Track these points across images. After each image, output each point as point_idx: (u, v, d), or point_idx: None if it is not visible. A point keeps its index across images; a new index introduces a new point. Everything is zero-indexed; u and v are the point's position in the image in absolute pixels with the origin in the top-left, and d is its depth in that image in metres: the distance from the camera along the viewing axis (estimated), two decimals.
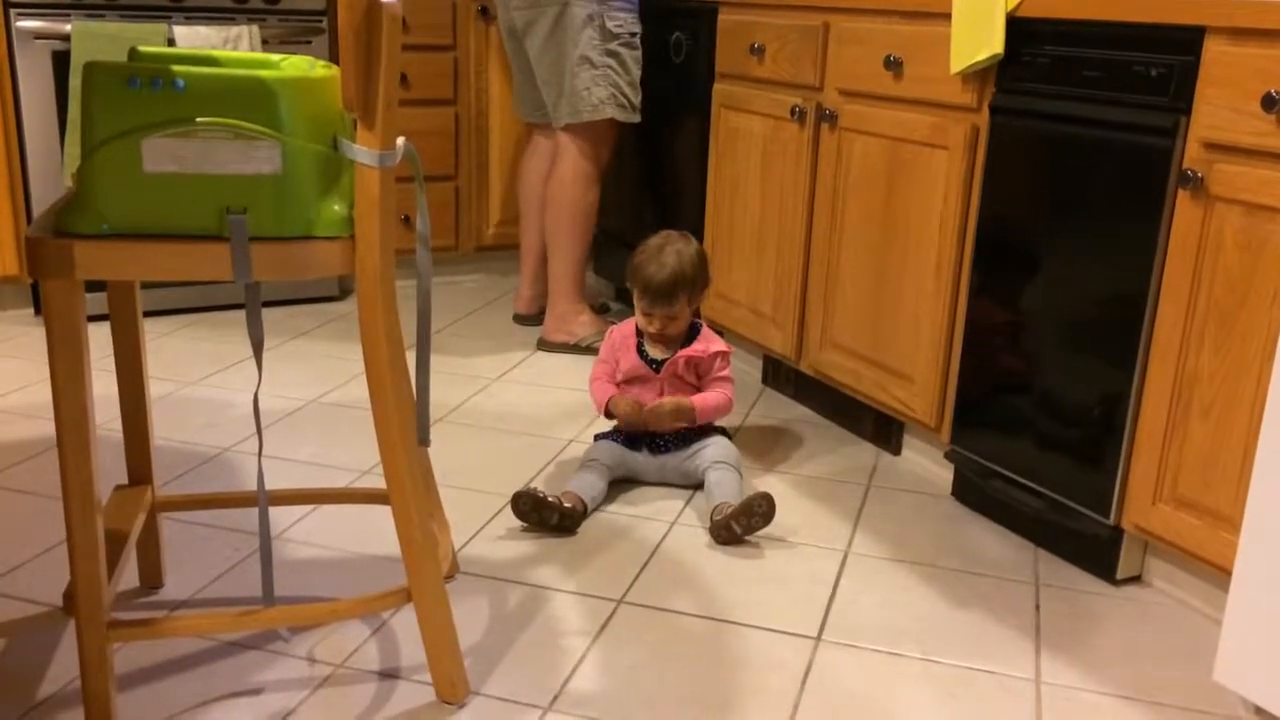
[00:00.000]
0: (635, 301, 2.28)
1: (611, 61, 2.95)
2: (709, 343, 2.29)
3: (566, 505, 2.06)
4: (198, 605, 1.79)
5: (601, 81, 2.94)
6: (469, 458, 2.38)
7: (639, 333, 2.31)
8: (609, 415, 2.31)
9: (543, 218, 3.14)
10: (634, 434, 2.28)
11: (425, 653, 1.55)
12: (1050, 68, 1.94)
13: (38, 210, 3.05)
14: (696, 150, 2.94)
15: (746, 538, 2.04)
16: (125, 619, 1.49)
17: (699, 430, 2.28)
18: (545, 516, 2.04)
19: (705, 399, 2.25)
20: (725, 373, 2.29)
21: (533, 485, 2.08)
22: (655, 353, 2.29)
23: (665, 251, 2.26)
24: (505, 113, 3.58)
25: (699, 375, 2.28)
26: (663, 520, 2.13)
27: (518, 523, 2.07)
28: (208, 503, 1.93)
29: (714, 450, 2.23)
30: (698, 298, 2.29)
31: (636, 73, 3.01)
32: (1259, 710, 1.58)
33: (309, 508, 2.11)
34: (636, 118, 3.04)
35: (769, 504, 2.04)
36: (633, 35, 2.98)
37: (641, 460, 2.26)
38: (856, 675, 1.67)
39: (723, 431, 2.33)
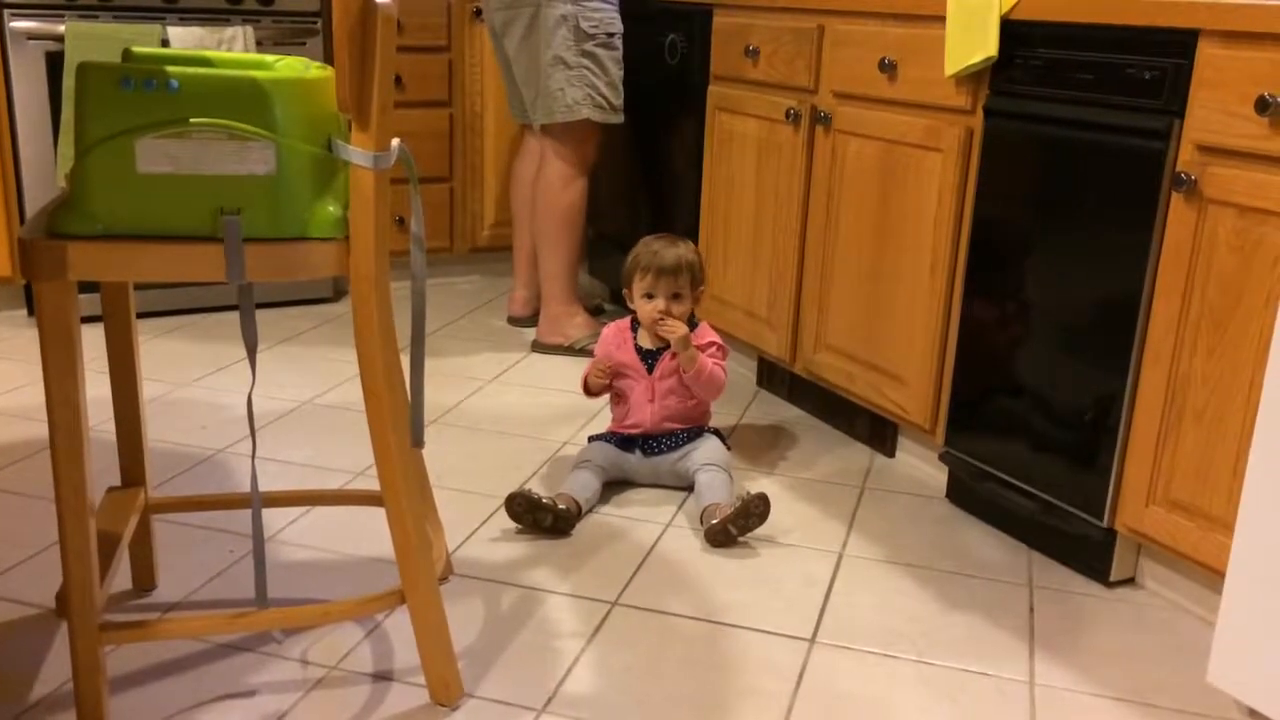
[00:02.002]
0: (636, 286, 2.27)
1: (587, 62, 2.93)
2: (704, 336, 2.29)
3: (561, 507, 2.06)
4: (191, 607, 1.78)
5: (576, 82, 2.93)
6: (463, 459, 2.38)
7: (634, 329, 2.31)
8: (590, 392, 2.32)
9: (533, 220, 3.14)
10: (627, 436, 2.28)
11: (419, 655, 1.55)
12: (1044, 70, 1.95)
13: (31, 211, 3.05)
14: (691, 152, 2.94)
15: (740, 538, 2.05)
16: (118, 621, 1.49)
17: (690, 432, 2.28)
18: (540, 518, 2.04)
19: (705, 360, 2.24)
20: (716, 359, 2.28)
21: (527, 487, 2.08)
22: (649, 343, 2.29)
23: (664, 240, 2.31)
24: (500, 114, 3.59)
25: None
26: (657, 522, 2.13)
27: (512, 525, 2.07)
28: (201, 504, 1.93)
29: (703, 452, 2.23)
30: (698, 291, 2.30)
31: (616, 73, 3.00)
32: (1252, 712, 1.58)
33: (303, 509, 2.11)
34: (617, 118, 3.03)
35: (765, 504, 2.04)
36: (610, 35, 2.96)
37: (634, 461, 2.26)
38: (850, 677, 1.67)
39: (718, 435, 2.32)
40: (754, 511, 2.03)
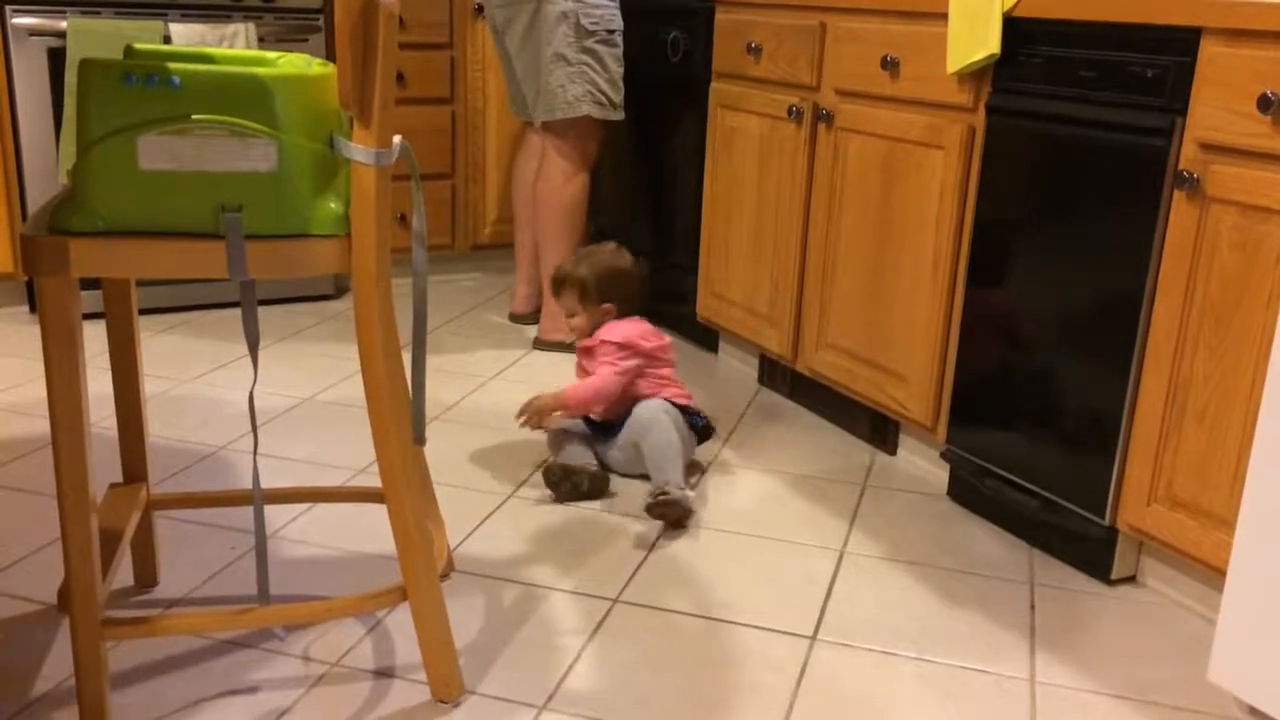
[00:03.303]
0: None
1: (587, 59, 2.93)
2: (603, 334, 2.31)
3: (592, 468, 2.14)
4: (192, 604, 1.79)
5: (577, 79, 2.93)
6: (465, 456, 2.38)
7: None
8: None
9: (535, 217, 3.15)
10: (590, 420, 2.35)
11: (420, 651, 1.55)
12: (1046, 68, 1.95)
13: (33, 208, 3.05)
14: (693, 149, 2.94)
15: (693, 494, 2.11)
16: (119, 617, 1.49)
17: (630, 405, 2.28)
18: (577, 482, 2.13)
19: (575, 386, 2.29)
20: (607, 358, 2.28)
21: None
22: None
23: (582, 253, 2.42)
24: (502, 111, 3.58)
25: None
26: (658, 520, 2.13)
27: (513, 522, 2.07)
28: (203, 501, 1.93)
29: (638, 419, 2.22)
30: (602, 306, 2.32)
31: (617, 70, 3.00)
32: (1253, 710, 1.58)
33: (304, 506, 2.11)
34: (618, 115, 3.03)
35: (669, 508, 2.04)
36: (610, 33, 2.96)
37: (601, 444, 2.29)
38: (851, 675, 1.67)
39: (704, 431, 2.33)
40: (667, 517, 2.06)
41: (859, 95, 2.37)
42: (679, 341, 3.18)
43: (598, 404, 2.27)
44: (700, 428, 2.32)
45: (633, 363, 2.26)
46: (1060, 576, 1.97)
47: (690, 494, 2.09)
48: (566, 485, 2.13)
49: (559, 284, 2.37)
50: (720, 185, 2.85)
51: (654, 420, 2.18)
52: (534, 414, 2.28)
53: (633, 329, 2.31)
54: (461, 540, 2.02)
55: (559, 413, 2.30)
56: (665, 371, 2.32)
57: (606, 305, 2.33)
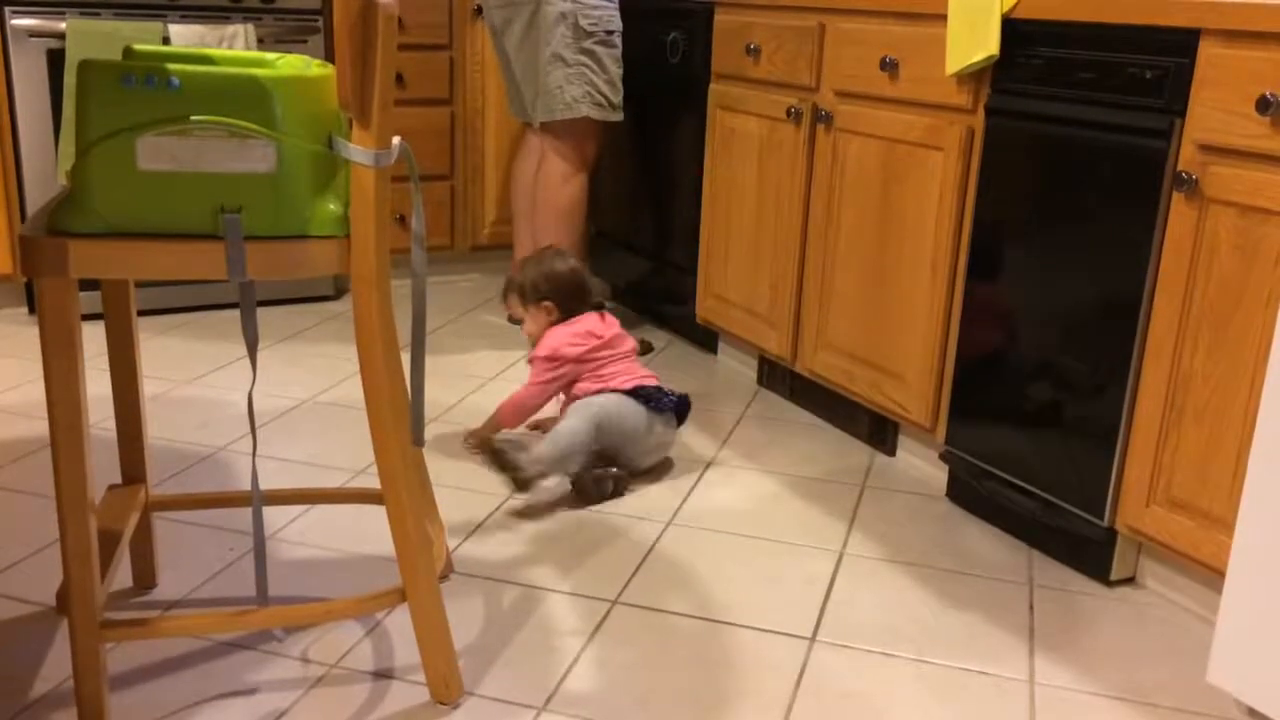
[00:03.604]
0: None
1: (586, 59, 2.94)
2: (536, 349, 2.38)
3: (613, 470, 2.19)
4: (191, 605, 1.79)
5: (576, 80, 2.93)
6: (464, 457, 2.38)
7: None
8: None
9: (534, 217, 3.15)
10: None
11: (419, 653, 1.55)
12: (1045, 69, 1.95)
13: (32, 209, 3.05)
14: (693, 151, 2.94)
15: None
16: (118, 619, 1.49)
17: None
18: (604, 487, 2.17)
19: (503, 402, 2.36)
20: (534, 371, 2.35)
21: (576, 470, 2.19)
22: None
23: (524, 259, 2.54)
24: (501, 112, 3.58)
25: None
26: (658, 520, 2.13)
27: (512, 523, 2.07)
28: (202, 502, 1.93)
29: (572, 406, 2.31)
30: (540, 305, 2.39)
31: (615, 71, 3.00)
32: (1252, 711, 1.58)
33: (303, 507, 2.11)
34: (616, 116, 3.04)
35: (503, 459, 2.13)
36: (609, 34, 2.97)
37: None
38: (851, 676, 1.67)
39: (679, 406, 2.34)
40: (501, 467, 2.14)
41: (858, 96, 2.37)
42: (678, 342, 3.19)
43: (526, 416, 2.37)
44: (673, 405, 2.32)
45: (560, 372, 2.32)
46: (1059, 578, 1.97)
47: (540, 470, 2.13)
48: (595, 490, 2.16)
49: (505, 293, 2.50)
50: (719, 186, 2.85)
51: (570, 411, 2.26)
52: (477, 437, 2.39)
53: (562, 336, 2.34)
54: (460, 541, 2.02)
55: (507, 429, 2.39)
56: (610, 369, 2.33)
57: (547, 304, 2.39)
